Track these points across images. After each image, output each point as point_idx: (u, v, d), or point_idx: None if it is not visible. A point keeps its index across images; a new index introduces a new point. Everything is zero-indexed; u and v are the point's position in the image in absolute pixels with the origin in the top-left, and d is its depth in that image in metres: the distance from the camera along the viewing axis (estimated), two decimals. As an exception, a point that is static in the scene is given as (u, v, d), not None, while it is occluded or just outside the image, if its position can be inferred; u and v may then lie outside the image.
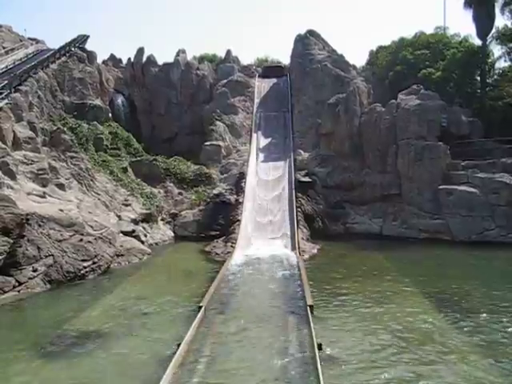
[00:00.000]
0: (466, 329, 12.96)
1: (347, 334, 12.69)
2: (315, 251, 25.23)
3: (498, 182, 26.71)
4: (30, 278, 17.82)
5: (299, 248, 24.93)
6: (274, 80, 47.79)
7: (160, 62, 47.21)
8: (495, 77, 38.20)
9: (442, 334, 12.52)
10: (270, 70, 50.65)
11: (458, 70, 36.75)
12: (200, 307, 14.24)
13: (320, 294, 16.60)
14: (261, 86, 47.06)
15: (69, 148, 29.65)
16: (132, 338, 12.85)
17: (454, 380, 9.93)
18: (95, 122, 35.38)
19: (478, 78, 37.79)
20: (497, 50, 38.09)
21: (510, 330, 12.77)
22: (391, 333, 12.72)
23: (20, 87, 30.23)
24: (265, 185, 33.58)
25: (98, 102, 38.15)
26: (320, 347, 11.06)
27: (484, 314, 14.14)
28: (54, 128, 30.55)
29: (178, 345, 11.19)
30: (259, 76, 49.28)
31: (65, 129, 31.24)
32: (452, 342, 12.00)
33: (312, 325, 12.39)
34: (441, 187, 28.20)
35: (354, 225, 30.91)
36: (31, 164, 25.66)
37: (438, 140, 29.59)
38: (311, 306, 14.11)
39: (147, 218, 29.91)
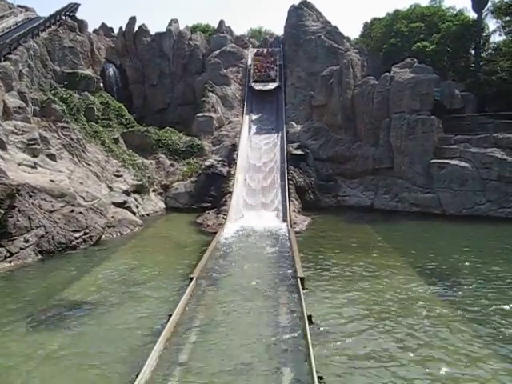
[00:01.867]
0: (454, 300, 13.16)
1: (337, 306, 12.81)
2: (306, 224, 25.31)
3: (490, 156, 26.79)
4: (21, 249, 17.84)
5: (291, 220, 25.04)
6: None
7: (152, 31, 46.63)
8: (490, 51, 38.02)
9: (431, 306, 12.70)
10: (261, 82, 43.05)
11: (452, 43, 36.56)
12: (191, 278, 14.35)
13: (310, 267, 16.75)
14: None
15: (60, 118, 29.38)
16: (123, 308, 12.93)
17: (441, 351, 10.11)
18: (86, 92, 35.02)
19: (473, 52, 37.57)
20: (492, 23, 37.90)
21: (495, 300, 12.96)
22: (381, 304, 12.89)
23: (9, 56, 29.80)
24: (257, 156, 33.45)
25: (89, 71, 37.60)
26: (310, 319, 11.19)
27: (472, 286, 14.38)
28: (45, 98, 30.26)
29: (170, 315, 11.29)
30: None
31: (55, 99, 30.92)
32: (440, 312, 12.20)
33: (302, 297, 12.52)
34: (433, 161, 28.27)
35: (346, 198, 31.09)
36: (22, 134, 25.45)
37: (430, 114, 29.54)
38: (302, 278, 14.24)
39: (139, 190, 29.92)
